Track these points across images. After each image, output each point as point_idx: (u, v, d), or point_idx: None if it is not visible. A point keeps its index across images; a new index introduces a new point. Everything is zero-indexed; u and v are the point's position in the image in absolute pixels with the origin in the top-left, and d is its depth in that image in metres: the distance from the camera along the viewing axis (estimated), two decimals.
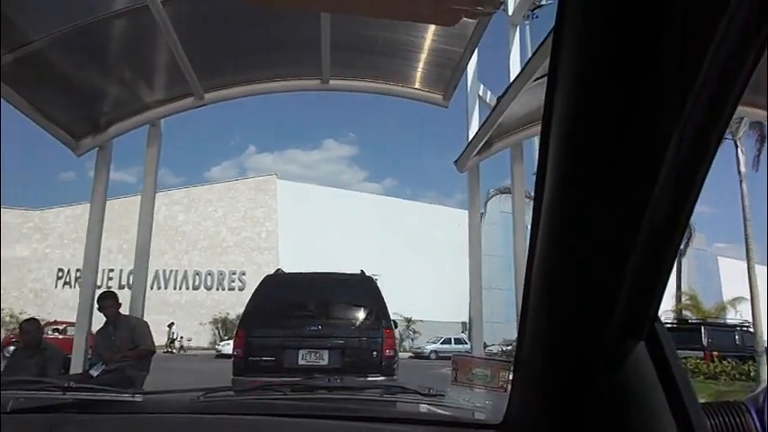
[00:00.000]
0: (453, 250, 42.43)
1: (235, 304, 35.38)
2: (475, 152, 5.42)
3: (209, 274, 36.18)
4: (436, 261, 40.83)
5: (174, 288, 35.93)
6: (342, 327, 6.60)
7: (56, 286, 36.04)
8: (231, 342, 25.76)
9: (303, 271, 7.63)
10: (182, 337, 32.21)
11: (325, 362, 6.21)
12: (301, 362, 6.19)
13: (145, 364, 4.96)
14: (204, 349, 31.96)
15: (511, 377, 1.01)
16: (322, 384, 1.62)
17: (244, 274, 36.05)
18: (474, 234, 6.06)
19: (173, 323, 31.97)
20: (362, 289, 7.06)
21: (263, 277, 7.33)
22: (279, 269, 7.93)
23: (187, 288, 35.98)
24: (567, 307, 0.66)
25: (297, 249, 36.22)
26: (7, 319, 33.69)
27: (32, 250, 36.52)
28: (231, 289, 35.91)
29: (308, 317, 6.62)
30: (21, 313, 34.11)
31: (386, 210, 41.02)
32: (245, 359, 6.19)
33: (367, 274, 7.57)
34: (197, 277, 36.10)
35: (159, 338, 33.43)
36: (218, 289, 35.99)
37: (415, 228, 41.45)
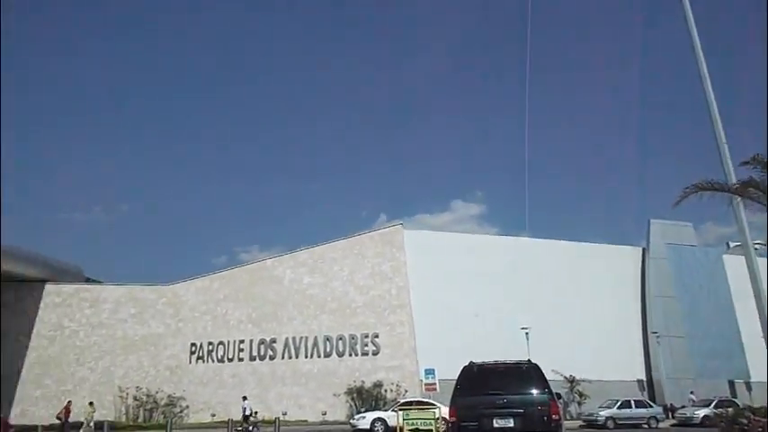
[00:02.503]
0: (616, 293, 40.04)
1: (369, 371, 35.84)
2: None
3: (341, 338, 36.46)
4: (597, 308, 38.40)
5: (306, 356, 36.59)
6: (520, 400, 10.20)
7: (189, 361, 38.54)
8: (366, 415, 26.12)
9: (488, 361, 11.26)
10: (256, 413, 31.42)
11: (511, 425, 9.98)
12: (495, 425, 10.04)
13: None
14: (341, 423, 31.66)
15: None
16: None
17: (377, 336, 35.93)
18: None
19: (245, 397, 31.63)
20: (531, 372, 10.72)
21: (462, 367, 11.21)
22: (471, 361, 11.31)
23: (319, 356, 36.41)
24: None
25: (432, 305, 35.49)
26: (144, 398, 37.10)
27: (166, 326, 40.51)
28: (365, 354, 35.79)
29: (496, 394, 10.29)
30: (157, 392, 37.74)
31: (530, 253, 39.47)
32: (458, 424, 10.28)
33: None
34: (328, 343, 36.50)
35: (298, 412, 34.84)
36: (350, 355, 36.01)
37: (567, 271, 39.34)
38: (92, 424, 28.53)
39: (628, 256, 42.01)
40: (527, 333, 32.80)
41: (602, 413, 29.38)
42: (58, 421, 28.06)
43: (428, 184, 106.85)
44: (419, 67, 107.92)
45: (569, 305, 37.33)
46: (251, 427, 29.94)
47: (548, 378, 10.92)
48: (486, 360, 11.48)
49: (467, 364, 11.28)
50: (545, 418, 9.89)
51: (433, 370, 29.48)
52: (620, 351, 37.64)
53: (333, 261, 38.69)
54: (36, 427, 28.26)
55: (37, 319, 39.79)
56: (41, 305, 40.09)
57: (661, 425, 29.59)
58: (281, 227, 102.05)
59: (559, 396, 10.98)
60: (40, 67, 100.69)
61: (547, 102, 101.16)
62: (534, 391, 10.32)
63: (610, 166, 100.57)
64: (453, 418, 10.41)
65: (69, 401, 29.51)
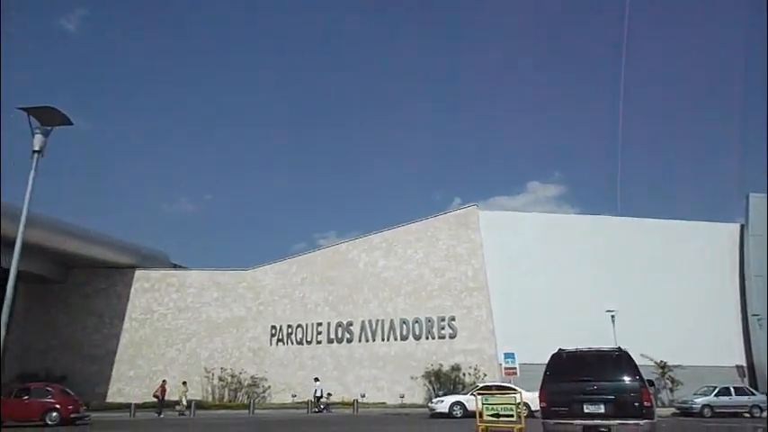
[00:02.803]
0: (711, 273, 37.79)
1: (447, 354, 35.16)
2: None
3: (417, 321, 36.53)
4: (690, 289, 36.42)
5: (382, 339, 36.99)
6: (610, 386, 10.44)
7: (270, 343, 39.96)
8: (444, 399, 26.15)
9: (578, 348, 11.52)
10: (329, 395, 32.79)
11: (602, 410, 10.26)
12: (586, 410, 10.34)
13: None
14: (418, 407, 31.78)
15: None
16: None
17: (453, 319, 35.71)
18: None
19: (317, 378, 32.85)
20: (621, 359, 10.87)
21: (551, 354, 11.54)
22: (560, 348, 11.54)
23: (395, 339, 36.69)
24: None
25: (510, 287, 34.76)
26: (229, 379, 38.91)
27: (248, 309, 42.10)
28: (441, 337, 35.69)
29: (586, 380, 10.60)
30: (240, 373, 39.32)
31: (616, 232, 37.94)
32: (548, 409, 10.76)
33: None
34: (404, 326, 36.67)
35: (377, 395, 35.32)
36: (427, 338, 36.03)
37: (656, 250, 37.45)
38: (184, 402, 30.41)
39: (724, 234, 39.48)
40: (613, 316, 31.66)
41: (697, 400, 27.87)
42: (155, 399, 30.00)
43: (503, 165, 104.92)
44: (494, 45, 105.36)
45: (659, 286, 35.59)
46: (322, 407, 31.11)
47: (637, 364, 10.93)
48: (570, 345, 11.65)
49: (555, 351, 11.51)
50: (636, 404, 10.07)
51: (513, 354, 29.04)
52: (716, 335, 35.57)
53: (407, 244, 38.69)
54: (129, 404, 30.31)
55: (128, 303, 42.38)
56: (132, 290, 42.64)
57: (765, 414, 27.76)
58: (358, 213, 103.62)
59: (652, 383, 10.97)
60: (128, 65, 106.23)
61: (637, 72, 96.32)
62: (625, 378, 10.48)
63: (703, 137, 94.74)
64: (543, 404, 10.93)
65: (164, 381, 31.47)
